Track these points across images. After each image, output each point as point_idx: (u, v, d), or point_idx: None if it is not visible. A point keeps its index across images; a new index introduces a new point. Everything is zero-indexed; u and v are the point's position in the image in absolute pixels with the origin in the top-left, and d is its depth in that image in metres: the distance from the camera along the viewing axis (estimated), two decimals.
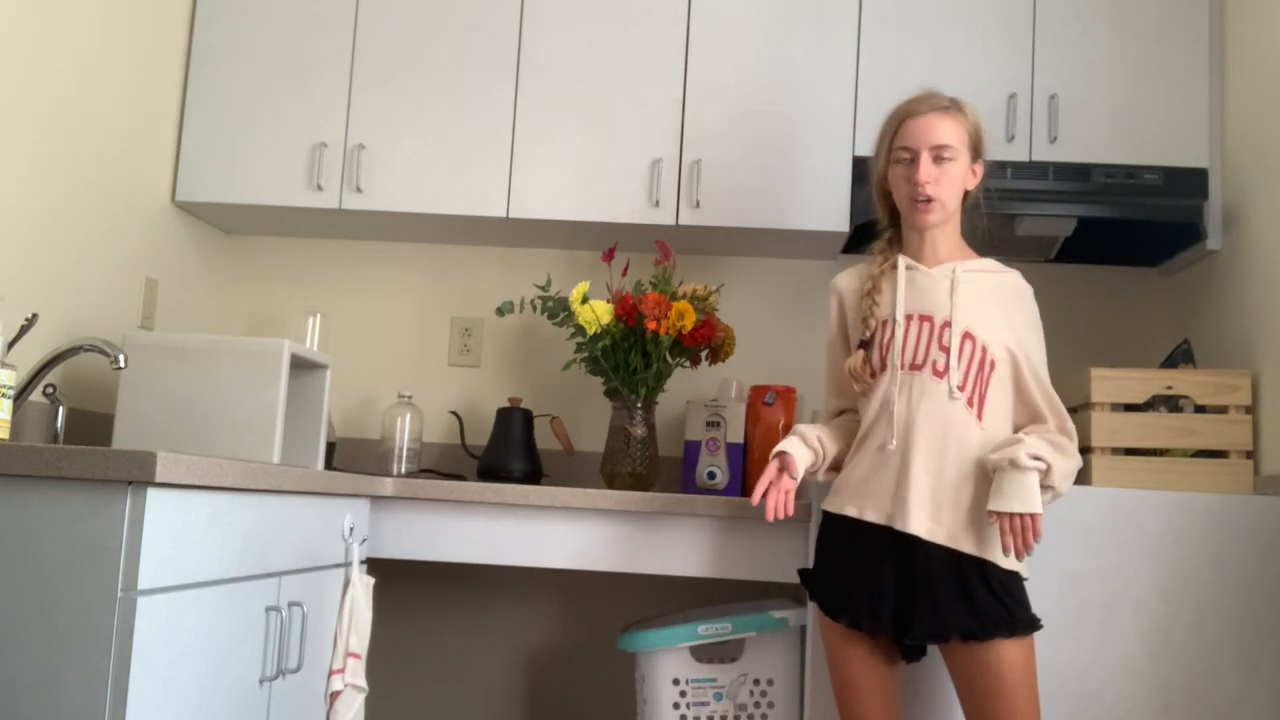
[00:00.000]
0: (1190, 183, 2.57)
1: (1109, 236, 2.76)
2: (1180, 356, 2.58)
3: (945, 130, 1.95)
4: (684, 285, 2.70)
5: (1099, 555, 2.14)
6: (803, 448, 2.05)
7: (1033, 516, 1.79)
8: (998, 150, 2.66)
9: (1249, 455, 2.27)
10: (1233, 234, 2.57)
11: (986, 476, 1.88)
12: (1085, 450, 2.30)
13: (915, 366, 1.93)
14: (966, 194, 2.03)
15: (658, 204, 2.76)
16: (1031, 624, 1.86)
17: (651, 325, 2.55)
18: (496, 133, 2.81)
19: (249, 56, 2.88)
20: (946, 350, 1.91)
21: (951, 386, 1.89)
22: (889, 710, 1.95)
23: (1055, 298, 2.97)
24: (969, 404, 1.89)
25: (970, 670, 1.85)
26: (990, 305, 1.95)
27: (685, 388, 3.00)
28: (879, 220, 2.11)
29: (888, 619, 1.89)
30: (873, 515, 1.92)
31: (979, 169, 2.03)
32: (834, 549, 2.00)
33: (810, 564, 2.16)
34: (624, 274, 2.83)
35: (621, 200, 2.77)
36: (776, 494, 2.01)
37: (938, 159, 1.94)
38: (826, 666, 2.08)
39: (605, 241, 2.96)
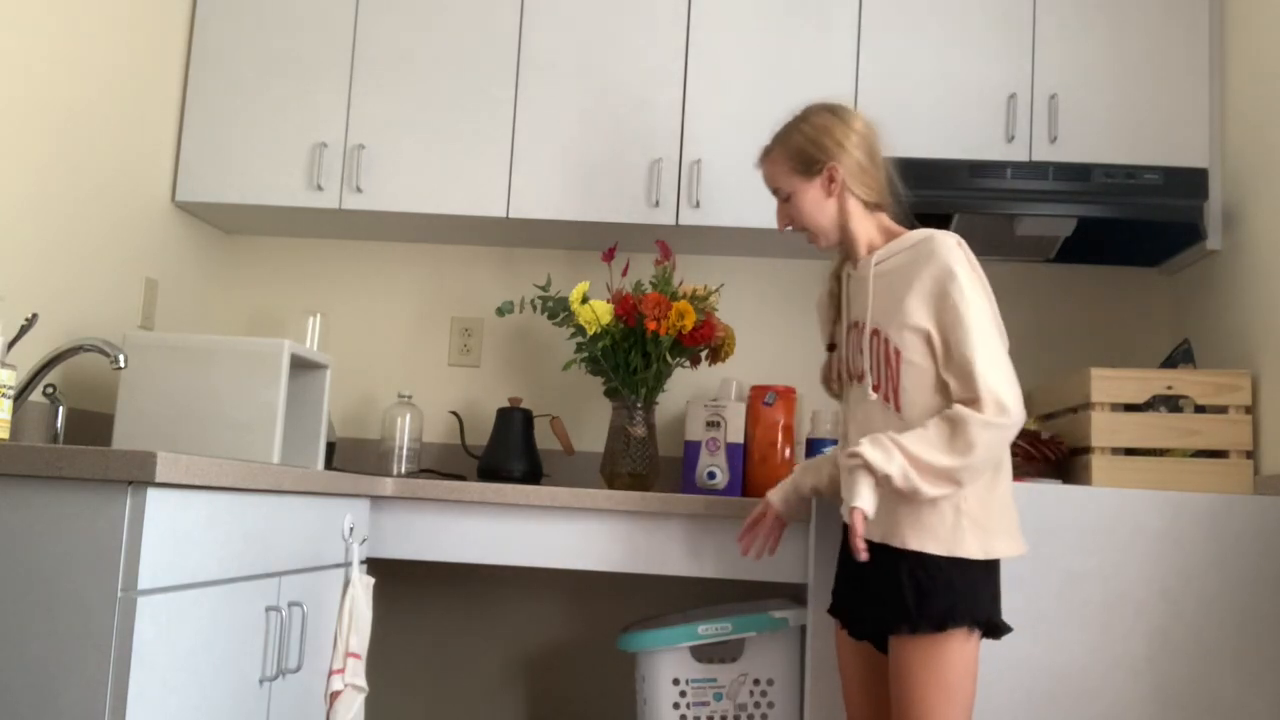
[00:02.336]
0: (1190, 183, 2.56)
1: (1109, 236, 2.76)
2: (1180, 356, 2.58)
3: (766, 175, 2.00)
4: (684, 285, 2.70)
5: (1099, 555, 2.14)
6: (790, 494, 2.14)
7: (852, 510, 1.76)
8: (998, 150, 2.66)
9: (1249, 455, 2.27)
10: (1233, 234, 2.57)
11: None
12: (1085, 450, 2.30)
13: (854, 376, 1.95)
14: (849, 195, 1.92)
15: (658, 204, 2.76)
16: (940, 625, 1.76)
17: (651, 325, 2.55)
18: (496, 133, 2.81)
19: (249, 56, 2.88)
20: (864, 353, 1.92)
21: (868, 387, 1.89)
22: (878, 703, 1.95)
23: (1055, 298, 2.97)
24: (885, 400, 1.87)
25: (892, 662, 1.84)
26: (897, 289, 1.86)
27: (685, 388, 3.00)
28: None
29: (850, 613, 1.95)
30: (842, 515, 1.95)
31: (834, 170, 1.91)
32: (839, 549, 2.04)
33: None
34: (624, 274, 2.83)
35: (621, 200, 2.77)
36: (754, 538, 2.16)
37: (782, 201, 1.98)
38: (829, 667, 2.10)
39: (605, 241, 2.96)
